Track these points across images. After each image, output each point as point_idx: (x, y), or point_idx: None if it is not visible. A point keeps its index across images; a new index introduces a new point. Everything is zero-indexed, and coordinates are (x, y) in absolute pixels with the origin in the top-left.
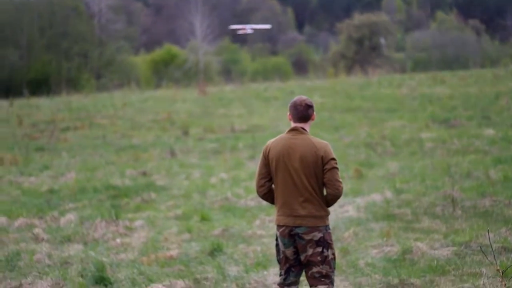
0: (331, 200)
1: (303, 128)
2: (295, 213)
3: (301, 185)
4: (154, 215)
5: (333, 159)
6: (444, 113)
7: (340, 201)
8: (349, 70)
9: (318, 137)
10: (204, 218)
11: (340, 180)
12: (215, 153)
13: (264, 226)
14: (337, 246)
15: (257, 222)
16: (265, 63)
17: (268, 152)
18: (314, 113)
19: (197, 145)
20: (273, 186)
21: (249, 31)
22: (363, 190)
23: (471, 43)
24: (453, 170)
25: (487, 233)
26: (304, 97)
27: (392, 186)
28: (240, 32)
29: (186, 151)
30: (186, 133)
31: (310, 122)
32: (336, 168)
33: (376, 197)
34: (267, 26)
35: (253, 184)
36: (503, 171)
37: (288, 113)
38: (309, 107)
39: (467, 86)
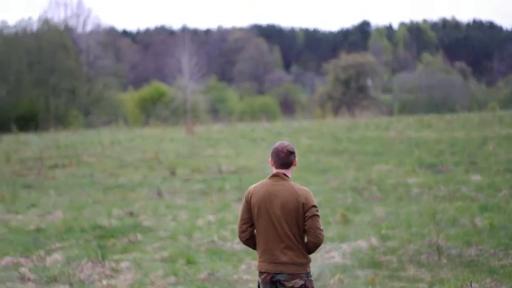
0: (312, 247)
1: (285, 174)
2: (276, 260)
3: (282, 232)
4: (140, 256)
5: (314, 206)
6: (431, 158)
7: (326, 246)
8: (336, 111)
9: (305, 180)
10: (190, 261)
11: (321, 228)
12: (202, 194)
13: (250, 271)
14: None
15: (243, 266)
16: (252, 102)
17: (250, 197)
18: (296, 159)
19: (184, 185)
20: (255, 231)
21: None
22: (349, 235)
23: (458, 86)
24: (439, 217)
25: (471, 284)
26: (286, 143)
27: (378, 232)
28: None
29: (173, 192)
30: (173, 173)
31: (292, 168)
32: (317, 215)
33: (362, 243)
34: None
35: None
36: (489, 219)
37: (270, 159)
38: (290, 153)
39: (454, 130)
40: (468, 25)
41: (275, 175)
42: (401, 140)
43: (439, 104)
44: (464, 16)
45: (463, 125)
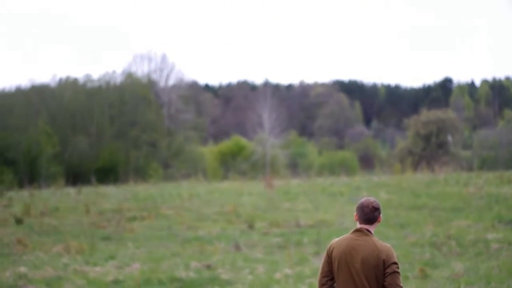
0: None
1: (368, 230)
2: None
3: (361, 286)
4: None
5: (395, 263)
6: (511, 214)
7: None
8: (415, 166)
9: (383, 235)
10: None
11: (401, 285)
12: (280, 248)
13: None
14: None
15: None
16: (331, 157)
17: (332, 251)
18: (381, 215)
19: (262, 239)
20: (335, 285)
21: None
22: None
23: None
24: None
25: None
26: (372, 199)
27: (457, 287)
28: None
29: (251, 245)
30: (251, 226)
31: (376, 224)
32: (398, 272)
33: None
34: None
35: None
36: None
37: (355, 214)
38: (375, 209)
39: None
40: None
41: (358, 230)
42: (480, 196)
43: None
44: None
45: None
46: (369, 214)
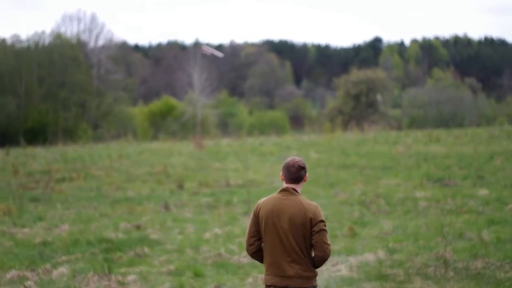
0: (318, 262)
1: (294, 189)
2: (282, 273)
3: (289, 246)
4: (147, 270)
5: (322, 221)
6: (439, 172)
7: (333, 260)
8: (345, 125)
9: (313, 193)
10: (197, 274)
11: (328, 242)
12: (210, 208)
13: (257, 284)
14: None
15: (250, 279)
16: (262, 117)
17: (259, 211)
18: (307, 174)
19: (191, 199)
20: (262, 245)
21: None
22: (356, 249)
23: (467, 101)
24: (446, 231)
25: None
26: (297, 158)
27: (385, 245)
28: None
29: (181, 205)
30: (181, 186)
31: (302, 183)
32: (325, 230)
33: (369, 256)
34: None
35: None
36: (496, 232)
37: (281, 173)
38: (301, 168)
39: (462, 145)
40: (479, 42)
41: (284, 190)
42: (409, 154)
43: (448, 119)
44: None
45: (471, 140)
46: (295, 173)
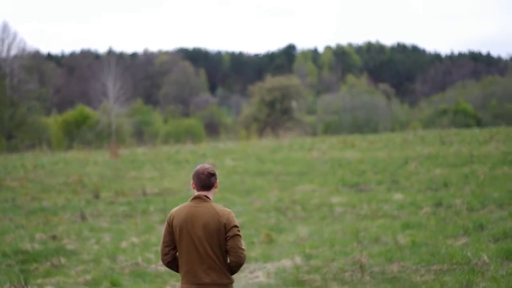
0: (234, 267)
1: (206, 196)
2: (198, 281)
3: (204, 253)
4: (63, 280)
5: (236, 226)
6: (354, 177)
7: (250, 266)
8: (261, 132)
9: (229, 201)
10: (114, 284)
11: (243, 247)
12: (126, 217)
13: None
14: None
15: None
16: (177, 125)
17: (172, 220)
18: (217, 181)
19: (108, 208)
20: (177, 254)
21: None
22: (273, 255)
23: (381, 107)
24: (362, 235)
25: None
26: (207, 165)
27: (302, 251)
28: None
29: (97, 215)
30: (97, 196)
31: (214, 190)
32: (239, 235)
33: (286, 262)
34: None
35: None
36: (411, 236)
37: (192, 182)
38: (211, 175)
39: (376, 150)
40: (392, 48)
41: (196, 197)
42: (324, 160)
43: (363, 125)
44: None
45: (385, 145)
46: (205, 180)
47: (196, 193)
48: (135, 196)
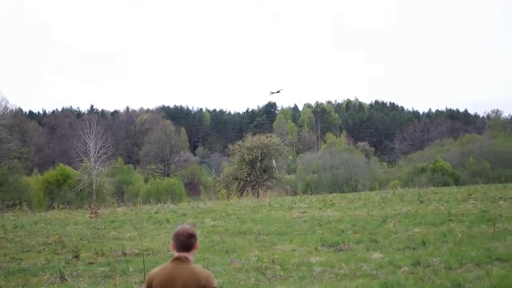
0: None
1: (186, 258)
2: None
3: None
4: None
5: (215, 287)
6: (333, 237)
7: None
8: (241, 191)
9: (209, 261)
10: None
11: None
12: (106, 278)
13: None
14: None
15: None
16: (158, 184)
17: (152, 281)
18: (197, 242)
19: (87, 269)
20: None
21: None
22: None
23: (361, 165)
24: None
25: None
26: (186, 226)
27: None
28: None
29: (76, 276)
30: (76, 256)
31: (194, 251)
32: None
33: None
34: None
35: None
36: None
37: (172, 243)
38: (191, 236)
39: (356, 208)
40: (371, 106)
41: (176, 259)
42: (304, 219)
43: (342, 183)
44: (367, 98)
45: (364, 204)
46: (185, 242)
47: (176, 254)
48: (114, 256)
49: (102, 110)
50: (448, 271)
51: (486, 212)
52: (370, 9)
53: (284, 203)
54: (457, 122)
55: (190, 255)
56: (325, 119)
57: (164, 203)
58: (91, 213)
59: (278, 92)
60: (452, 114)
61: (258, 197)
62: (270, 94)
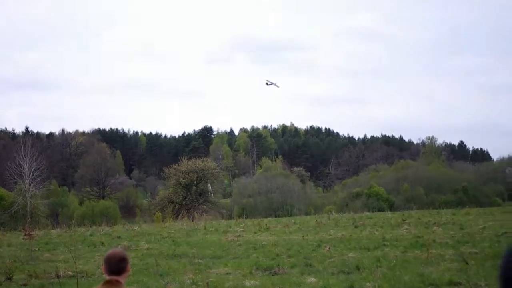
0: None
1: (117, 281)
2: None
3: None
4: None
5: None
6: (268, 261)
7: None
8: (176, 215)
9: (143, 284)
10: None
11: None
12: None
13: None
14: None
15: None
16: (93, 207)
17: None
18: (129, 265)
19: None
20: None
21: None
22: None
23: (296, 190)
24: None
25: None
26: (118, 250)
27: None
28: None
29: None
30: (9, 278)
31: (126, 274)
32: None
33: None
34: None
35: None
36: None
37: (103, 266)
38: (122, 260)
39: (291, 233)
40: (306, 131)
41: (107, 282)
42: (239, 243)
43: (278, 208)
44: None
45: (300, 228)
46: (115, 265)
47: (107, 277)
48: (48, 278)
49: (37, 132)
50: None
51: (420, 238)
52: (302, 32)
53: (219, 226)
54: (392, 148)
55: (121, 278)
56: (260, 144)
57: (99, 225)
58: (25, 235)
59: (273, 84)
60: (387, 140)
61: (193, 220)
62: (267, 85)
